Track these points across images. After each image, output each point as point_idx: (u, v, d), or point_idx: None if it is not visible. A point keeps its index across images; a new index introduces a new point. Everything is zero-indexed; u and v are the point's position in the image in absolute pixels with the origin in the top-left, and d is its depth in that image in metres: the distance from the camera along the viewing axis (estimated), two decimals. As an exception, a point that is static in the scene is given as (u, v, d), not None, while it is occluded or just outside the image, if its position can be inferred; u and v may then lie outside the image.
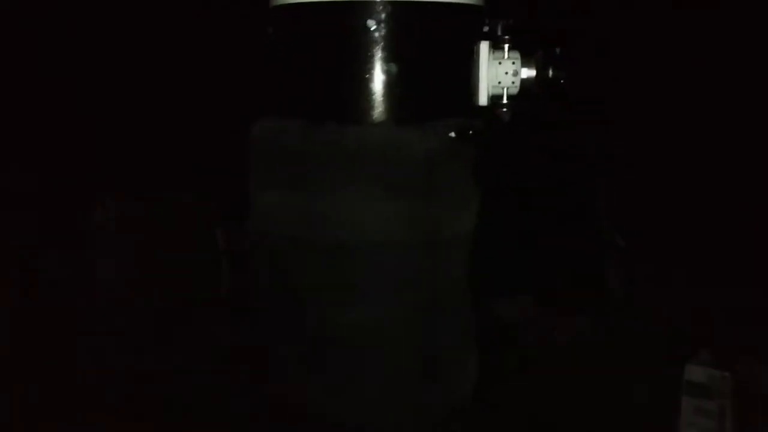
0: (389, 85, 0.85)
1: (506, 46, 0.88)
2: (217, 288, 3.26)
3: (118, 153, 3.00)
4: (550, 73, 0.90)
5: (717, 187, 2.64)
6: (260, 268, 0.92)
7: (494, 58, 0.89)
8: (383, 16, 0.84)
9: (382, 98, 0.84)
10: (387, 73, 0.84)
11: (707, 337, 2.36)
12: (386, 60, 0.84)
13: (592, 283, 2.75)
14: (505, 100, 0.89)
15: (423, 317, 0.85)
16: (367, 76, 0.85)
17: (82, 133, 3.03)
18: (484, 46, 0.88)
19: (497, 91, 0.89)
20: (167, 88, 2.85)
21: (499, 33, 0.88)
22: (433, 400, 0.87)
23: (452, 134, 0.83)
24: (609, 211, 2.62)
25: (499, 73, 0.89)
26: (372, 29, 0.84)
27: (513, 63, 0.88)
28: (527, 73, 0.89)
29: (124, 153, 3.02)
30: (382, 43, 0.84)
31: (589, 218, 2.65)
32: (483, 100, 0.89)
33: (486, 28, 0.88)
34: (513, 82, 0.89)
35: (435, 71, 0.86)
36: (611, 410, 2.33)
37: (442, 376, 0.87)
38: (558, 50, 0.91)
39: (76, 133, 3.03)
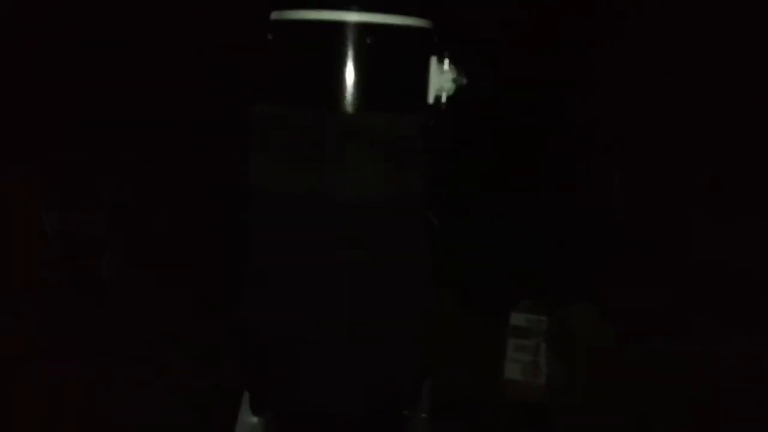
0: (369, 85, 1.13)
1: (446, 60, 1.20)
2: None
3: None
4: (465, 80, 1.24)
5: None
6: (259, 235, 1.17)
7: (438, 68, 1.20)
8: (362, 35, 1.12)
9: (368, 93, 1.13)
10: (363, 75, 1.13)
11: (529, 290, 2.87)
12: (362, 68, 1.13)
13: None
14: (443, 100, 1.21)
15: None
16: (350, 78, 1.12)
17: None
18: (432, 60, 1.18)
19: (440, 93, 1.20)
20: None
21: (444, 51, 1.19)
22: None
23: (431, 121, 1.14)
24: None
25: (441, 80, 1.20)
26: (353, 45, 1.11)
27: (450, 72, 1.20)
28: (460, 80, 1.21)
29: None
30: (360, 55, 1.12)
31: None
32: (430, 99, 1.20)
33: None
34: (450, 87, 1.20)
35: (403, 75, 1.16)
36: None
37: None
38: (478, 59, 1.24)
39: None
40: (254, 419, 1.29)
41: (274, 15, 1.13)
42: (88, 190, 3.36)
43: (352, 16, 1.10)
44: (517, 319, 2.87)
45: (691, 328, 2.61)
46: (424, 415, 1.31)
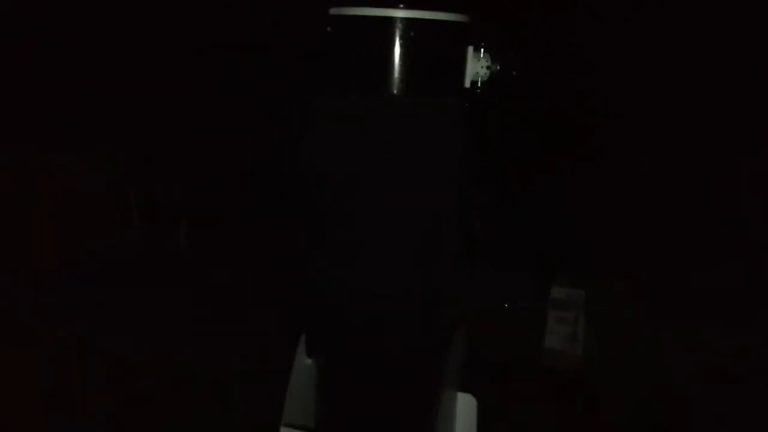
0: (413, 72, 1.31)
1: (482, 49, 1.37)
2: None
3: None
4: (498, 67, 1.40)
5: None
6: (319, 201, 1.36)
7: (474, 57, 1.36)
8: (409, 28, 1.29)
9: (413, 78, 1.30)
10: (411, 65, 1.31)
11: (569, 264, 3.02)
12: (407, 57, 1.30)
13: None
14: (479, 85, 1.38)
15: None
16: (399, 67, 1.30)
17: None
18: (469, 49, 1.35)
19: (475, 78, 1.37)
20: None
21: (480, 42, 1.36)
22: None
23: (467, 104, 1.32)
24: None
25: (477, 66, 1.37)
26: (399, 37, 1.29)
27: (485, 60, 1.37)
28: (493, 67, 1.38)
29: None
30: (407, 46, 1.30)
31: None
32: (467, 84, 1.37)
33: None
34: (485, 73, 1.37)
35: (443, 63, 1.33)
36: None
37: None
38: (511, 53, 1.40)
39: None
40: (308, 360, 1.49)
41: (333, 11, 1.31)
42: (165, 173, 3.61)
43: (399, 12, 1.27)
44: (557, 292, 3.01)
45: (726, 314, 2.72)
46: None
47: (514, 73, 1.39)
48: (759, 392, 2.51)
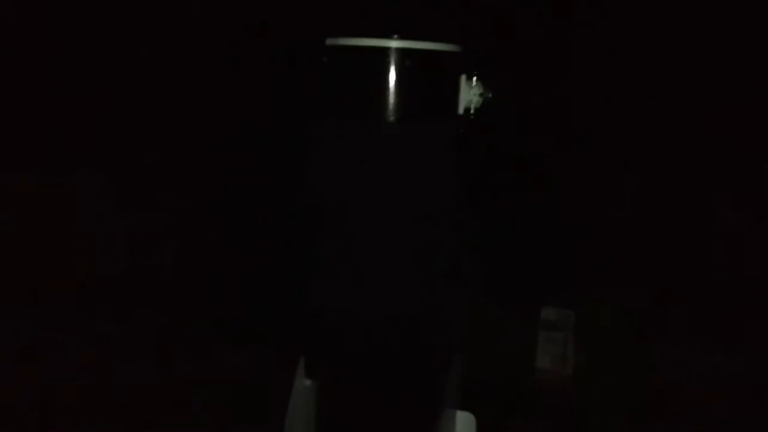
0: (408, 100, 1.36)
1: (474, 77, 1.42)
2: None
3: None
4: (490, 95, 1.46)
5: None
6: (318, 224, 1.40)
7: (467, 85, 1.42)
8: (403, 58, 1.34)
9: (407, 106, 1.35)
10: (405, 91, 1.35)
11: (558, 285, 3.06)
12: (402, 85, 1.35)
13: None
14: (471, 111, 1.43)
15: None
16: (393, 95, 1.35)
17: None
18: (462, 77, 1.41)
19: (468, 105, 1.42)
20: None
21: (472, 70, 1.41)
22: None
23: (461, 130, 1.37)
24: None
25: (470, 94, 1.42)
26: (395, 66, 1.34)
27: (477, 88, 1.42)
28: (486, 95, 1.43)
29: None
30: (401, 75, 1.35)
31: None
32: (460, 110, 1.42)
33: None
34: (477, 100, 1.42)
35: (437, 91, 1.38)
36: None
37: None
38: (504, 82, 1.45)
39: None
40: (308, 382, 1.52)
41: (329, 41, 1.36)
42: (149, 193, 3.63)
43: (394, 43, 1.33)
44: (547, 313, 3.06)
45: (706, 332, 2.77)
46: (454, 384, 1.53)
47: (507, 100, 1.45)
48: (750, 410, 2.55)
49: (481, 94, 1.41)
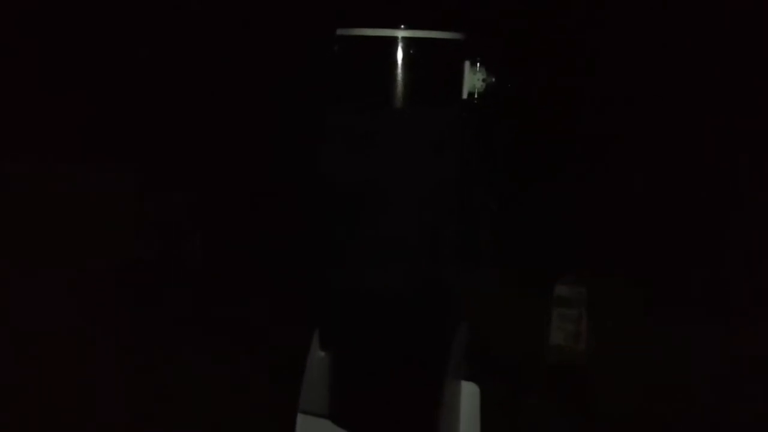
0: (414, 86, 1.43)
1: (478, 63, 1.48)
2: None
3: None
4: (493, 80, 1.52)
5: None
6: (331, 206, 1.48)
7: (471, 71, 1.48)
8: (409, 46, 1.41)
9: (414, 91, 1.42)
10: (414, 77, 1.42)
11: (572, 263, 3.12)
12: (409, 72, 1.42)
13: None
14: (475, 96, 1.50)
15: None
16: (401, 82, 1.42)
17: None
18: (466, 63, 1.47)
19: (472, 90, 1.49)
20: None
21: (476, 56, 1.48)
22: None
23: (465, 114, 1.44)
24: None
25: (473, 79, 1.48)
26: (401, 54, 1.41)
27: (481, 74, 1.48)
28: (489, 80, 1.49)
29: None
30: (408, 62, 1.42)
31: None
32: (464, 95, 1.48)
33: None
34: (481, 85, 1.49)
35: (442, 77, 1.45)
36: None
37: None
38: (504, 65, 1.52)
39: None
40: (322, 353, 1.61)
41: (340, 31, 1.44)
42: (180, 184, 3.73)
43: (400, 32, 1.39)
44: (561, 290, 3.11)
45: (723, 308, 2.80)
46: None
47: (509, 85, 1.51)
48: (762, 391, 2.59)
49: (484, 80, 1.48)
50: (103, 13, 3.36)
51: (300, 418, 1.58)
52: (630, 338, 2.91)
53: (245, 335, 3.00)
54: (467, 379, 1.60)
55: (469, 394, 1.56)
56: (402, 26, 1.40)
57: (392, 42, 1.40)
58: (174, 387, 2.70)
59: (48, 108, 3.36)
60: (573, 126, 2.92)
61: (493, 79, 1.49)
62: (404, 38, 1.40)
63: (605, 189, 2.99)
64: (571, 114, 2.87)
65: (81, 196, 3.50)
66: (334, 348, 1.58)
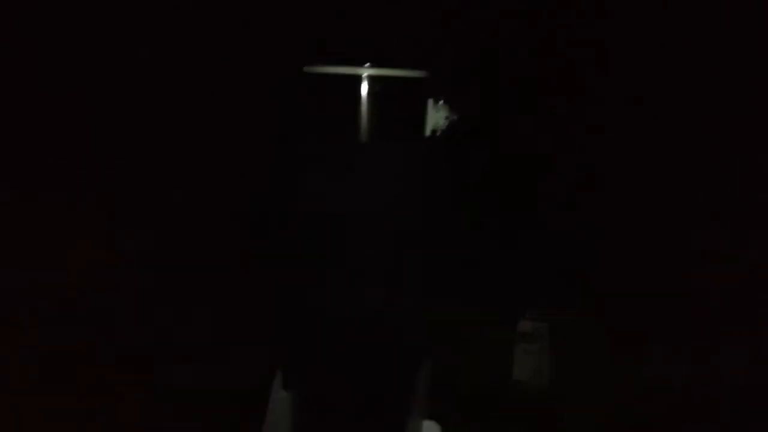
0: (379, 123, 1.43)
1: (441, 101, 1.50)
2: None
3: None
4: (455, 117, 1.54)
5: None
6: (301, 230, 1.47)
7: (434, 108, 1.50)
8: (374, 84, 1.42)
9: (378, 128, 1.43)
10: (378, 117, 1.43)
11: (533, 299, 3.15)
12: (374, 109, 1.43)
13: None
14: (439, 133, 1.51)
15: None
16: (366, 119, 1.43)
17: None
18: (429, 101, 1.49)
19: (435, 128, 1.50)
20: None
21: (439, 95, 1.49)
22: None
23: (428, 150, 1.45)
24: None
25: (436, 117, 1.50)
26: (367, 92, 1.42)
27: (444, 111, 1.50)
28: (452, 117, 1.51)
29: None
30: (373, 100, 1.43)
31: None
32: (428, 132, 1.50)
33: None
34: (444, 122, 1.50)
35: (405, 114, 1.46)
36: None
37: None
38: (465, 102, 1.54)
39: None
40: (284, 393, 1.58)
41: (306, 69, 1.44)
42: (137, 211, 3.68)
43: (366, 71, 1.41)
44: (524, 325, 3.13)
45: (682, 339, 2.84)
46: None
47: (472, 123, 1.53)
48: (723, 415, 2.62)
49: (447, 117, 1.49)
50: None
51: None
52: (592, 372, 2.93)
53: (204, 373, 2.94)
54: (429, 416, 1.59)
55: (431, 433, 1.55)
56: (367, 65, 1.41)
57: (357, 80, 1.42)
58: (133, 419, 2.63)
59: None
60: (538, 162, 2.97)
61: (456, 117, 1.51)
62: (369, 76, 1.41)
63: (569, 225, 3.04)
64: (536, 150, 2.92)
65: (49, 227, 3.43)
66: (296, 386, 1.56)
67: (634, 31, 2.65)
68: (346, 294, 1.46)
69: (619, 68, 2.71)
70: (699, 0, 2.45)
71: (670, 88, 2.68)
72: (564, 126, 2.81)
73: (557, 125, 2.82)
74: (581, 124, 2.83)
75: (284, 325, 1.54)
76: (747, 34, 2.35)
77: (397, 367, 1.50)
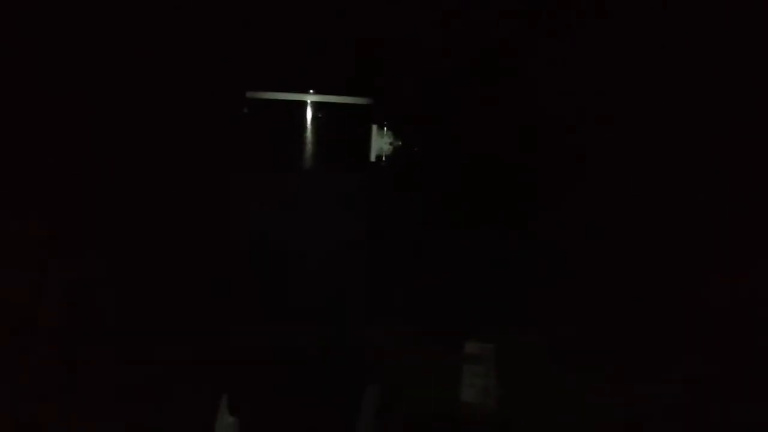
0: (323, 149, 1.45)
1: (385, 127, 1.53)
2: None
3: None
4: (400, 143, 1.57)
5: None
6: (239, 265, 1.48)
7: (378, 134, 1.52)
8: (318, 110, 1.44)
9: (322, 154, 1.45)
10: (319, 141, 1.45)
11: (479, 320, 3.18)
12: (317, 136, 1.45)
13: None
14: (383, 159, 1.54)
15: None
16: (309, 145, 1.45)
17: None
18: (373, 127, 1.52)
19: (380, 153, 1.53)
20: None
21: (383, 121, 1.52)
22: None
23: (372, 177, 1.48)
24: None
25: (381, 142, 1.52)
26: (310, 118, 1.44)
27: (388, 137, 1.53)
28: (396, 143, 1.54)
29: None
30: (316, 126, 1.45)
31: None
32: (372, 158, 1.52)
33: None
34: (388, 148, 1.53)
35: (350, 140, 1.48)
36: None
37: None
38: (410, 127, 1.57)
39: None
40: (231, 418, 1.57)
41: (249, 94, 1.46)
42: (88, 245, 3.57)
43: (309, 97, 1.43)
44: (471, 347, 3.16)
45: (630, 362, 2.89)
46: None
47: (416, 149, 1.56)
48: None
49: (391, 143, 1.52)
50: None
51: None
52: (539, 394, 2.96)
53: (149, 398, 2.88)
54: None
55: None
56: (311, 91, 1.43)
57: (301, 106, 1.44)
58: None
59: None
60: (483, 185, 3.00)
61: (400, 143, 1.54)
62: (313, 102, 1.43)
63: (515, 245, 3.08)
64: (480, 174, 2.96)
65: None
66: (242, 411, 1.56)
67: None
68: (290, 321, 1.47)
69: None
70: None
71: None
72: (514, 147, 2.84)
73: (504, 147, 2.86)
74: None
75: (230, 350, 1.54)
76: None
77: (342, 391, 1.50)
